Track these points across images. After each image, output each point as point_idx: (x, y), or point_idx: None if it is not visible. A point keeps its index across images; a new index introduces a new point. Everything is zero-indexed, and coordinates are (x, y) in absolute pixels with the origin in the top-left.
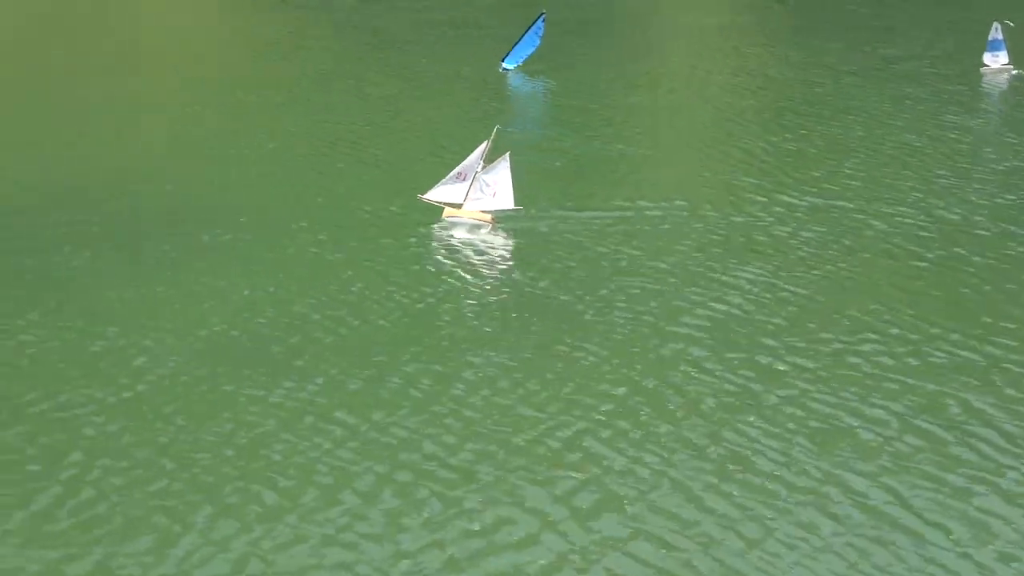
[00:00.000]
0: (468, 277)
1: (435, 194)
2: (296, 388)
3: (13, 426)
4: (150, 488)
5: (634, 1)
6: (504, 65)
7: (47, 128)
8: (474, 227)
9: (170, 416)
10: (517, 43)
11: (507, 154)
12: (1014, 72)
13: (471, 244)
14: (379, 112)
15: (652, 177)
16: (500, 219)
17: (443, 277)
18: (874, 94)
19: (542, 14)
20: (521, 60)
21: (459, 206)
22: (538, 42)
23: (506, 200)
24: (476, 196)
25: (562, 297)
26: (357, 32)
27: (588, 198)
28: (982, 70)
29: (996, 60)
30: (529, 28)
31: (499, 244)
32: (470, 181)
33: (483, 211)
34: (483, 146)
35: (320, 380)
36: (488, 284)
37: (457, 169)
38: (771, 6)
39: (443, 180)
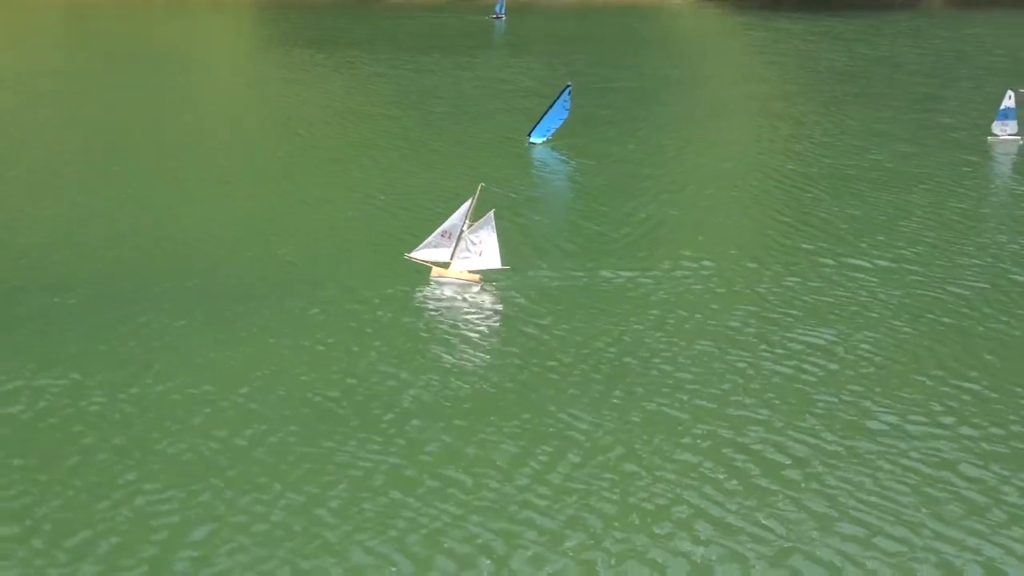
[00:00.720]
0: (524, 339)
1: (421, 254)
2: (383, 449)
3: (111, 491)
4: (251, 552)
5: (681, 72)
6: (531, 139)
7: (133, 201)
8: (464, 286)
9: (272, 479)
10: (543, 116)
11: (491, 212)
12: (1022, 143)
13: (508, 302)
14: (420, 181)
15: (709, 239)
16: (548, 280)
17: (510, 340)
18: (932, 161)
19: (567, 86)
20: (549, 133)
21: (446, 265)
22: (566, 115)
23: (493, 259)
24: (463, 255)
25: (628, 359)
26: (415, 96)
27: (636, 259)
28: (989, 139)
29: (1005, 130)
30: (555, 101)
31: (541, 305)
32: (455, 240)
33: (470, 271)
34: (467, 204)
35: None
36: (546, 347)
37: (442, 228)
38: (820, 76)
39: (428, 239)
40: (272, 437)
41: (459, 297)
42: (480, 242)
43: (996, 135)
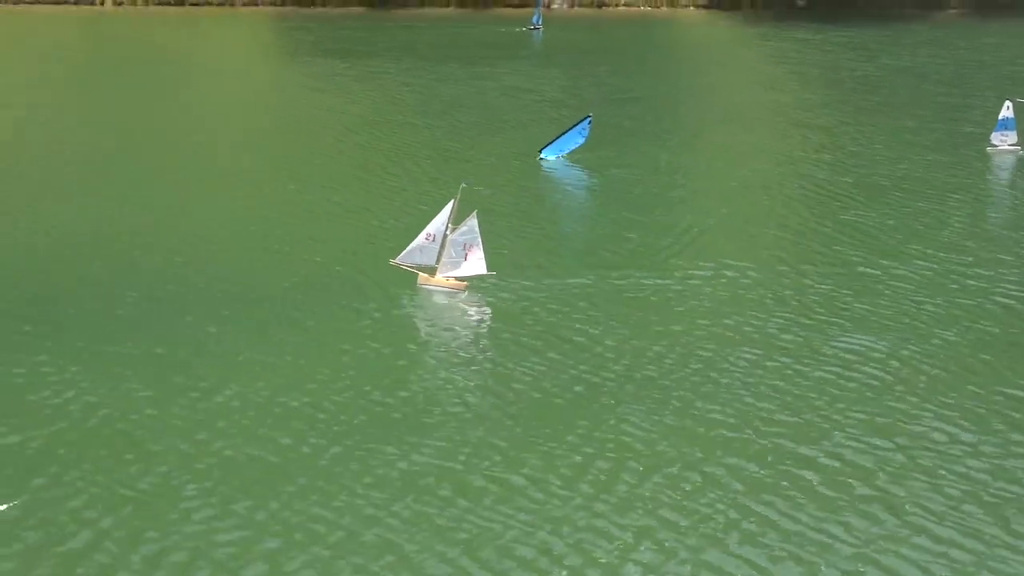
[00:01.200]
0: (562, 347)
1: (407, 258)
2: (441, 454)
3: (179, 500)
4: (326, 563)
5: (705, 82)
6: (542, 155)
7: (165, 210)
8: (469, 292)
9: (339, 487)
10: (558, 137)
11: (474, 213)
12: (1022, 153)
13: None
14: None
15: (742, 247)
16: (563, 287)
17: (548, 348)
18: (964, 171)
19: (588, 117)
20: (561, 153)
21: (433, 270)
22: (582, 141)
23: (478, 265)
24: (448, 259)
25: (673, 366)
26: (439, 105)
27: (666, 265)
28: (988, 150)
29: (1004, 140)
30: (573, 126)
31: (571, 311)
32: (440, 244)
33: (457, 278)
34: (450, 205)
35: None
36: (586, 355)
37: (426, 230)
38: (844, 86)
39: (414, 243)
40: (334, 444)
41: (487, 303)
42: (464, 246)
43: (995, 145)
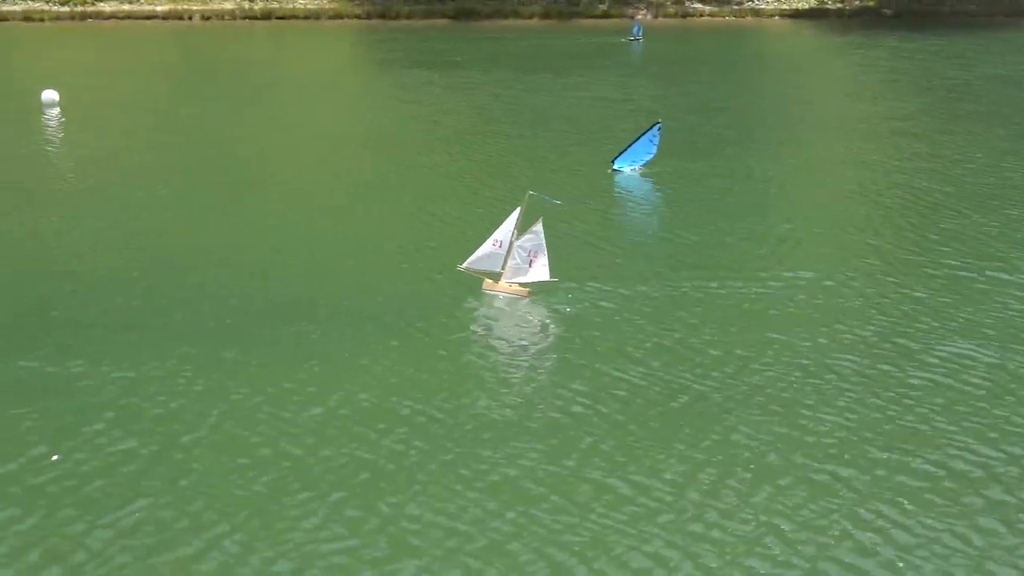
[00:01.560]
0: (653, 351)
1: (474, 263)
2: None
3: (319, 509)
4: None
5: (781, 89)
6: (615, 166)
7: (259, 223)
8: (515, 300)
9: (465, 487)
10: (629, 146)
11: (539, 221)
12: None
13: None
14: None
15: (843, 253)
16: (646, 293)
17: (630, 353)
18: None
19: (657, 123)
20: (635, 164)
21: (497, 276)
22: (654, 150)
23: (542, 272)
24: (513, 266)
25: (767, 370)
26: (527, 114)
27: (753, 271)
28: None
29: None
30: (642, 134)
31: (652, 316)
32: (506, 250)
33: (520, 284)
34: (516, 213)
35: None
36: (674, 359)
37: (494, 236)
38: (938, 94)
39: (481, 249)
40: (442, 450)
41: (568, 310)
42: (529, 252)
43: None
